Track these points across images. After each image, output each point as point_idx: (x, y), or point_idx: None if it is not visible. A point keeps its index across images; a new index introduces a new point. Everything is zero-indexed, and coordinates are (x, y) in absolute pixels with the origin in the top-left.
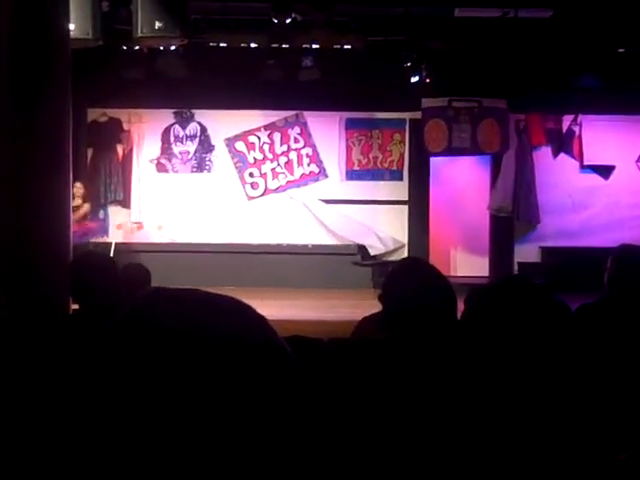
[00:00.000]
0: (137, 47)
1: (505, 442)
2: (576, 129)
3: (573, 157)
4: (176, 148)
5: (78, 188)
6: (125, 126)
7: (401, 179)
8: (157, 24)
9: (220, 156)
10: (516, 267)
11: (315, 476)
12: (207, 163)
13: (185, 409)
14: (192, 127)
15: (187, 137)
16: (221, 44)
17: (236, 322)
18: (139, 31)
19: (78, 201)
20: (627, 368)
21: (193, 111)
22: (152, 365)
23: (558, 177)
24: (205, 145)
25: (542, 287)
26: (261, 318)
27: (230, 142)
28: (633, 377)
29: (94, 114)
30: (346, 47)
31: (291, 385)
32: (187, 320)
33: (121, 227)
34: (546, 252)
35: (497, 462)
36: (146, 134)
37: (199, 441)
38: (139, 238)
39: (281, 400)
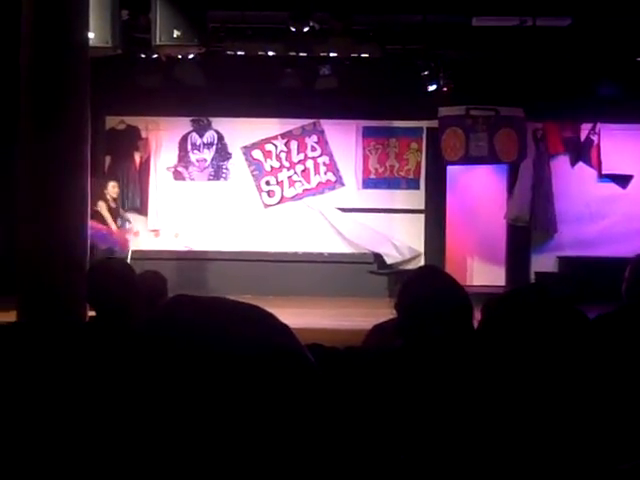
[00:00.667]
0: (155, 55)
1: (521, 451)
2: (594, 138)
3: (591, 166)
4: (193, 156)
5: (113, 187)
6: (143, 134)
7: (418, 188)
8: (175, 32)
9: (237, 164)
10: (533, 276)
11: None
12: (224, 171)
13: (208, 416)
14: (209, 135)
15: (204, 145)
16: (239, 52)
17: (260, 330)
18: (158, 39)
19: (113, 203)
20: None
21: (210, 119)
22: (175, 372)
23: (576, 186)
24: (222, 153)
25: (560, 297)
26: (284, 326)
27: (247, 150)
28: None
29: (112, 122)
30: (364, 56)
31: (314, 393)
32: (211, 327)
33: (138, 234)
34: (563, 262)
35: (512, 471)
36: (163, 142)
37: (222, 447)
38: (156, 245)
39: (304, 407)
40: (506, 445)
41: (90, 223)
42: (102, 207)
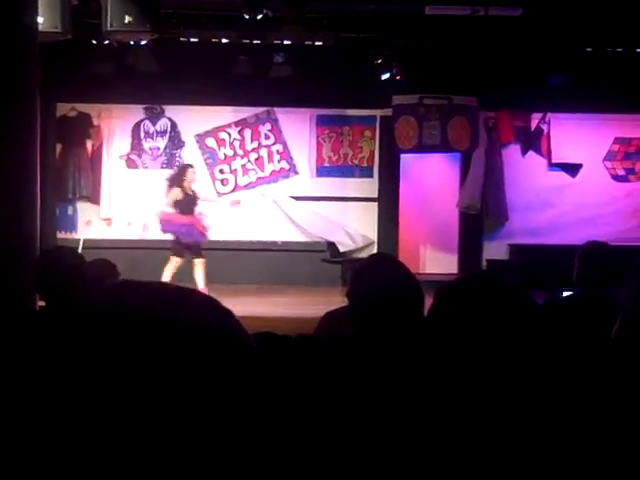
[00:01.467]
0: (107, 41)
1: (471, 437)
2: (545, 127)
3: (541, 155)
4: (146, 144)
5: (192, 172)
6: (95, 121)
7: (371, 176)
8: (127, 18)
9: (190, 152)
10: (485, 264)
11: (274, 466)
12: (177, 159)
13: (148, 398)
14: (162, 123)
15: (157, 133)
16: (192, 39)
17: (201, 314)
18: (109, 25)
19: (190, 190)
20: (593, 361)
21: (164, 107)
22: (115, 355)
23: (527, 175)
24: (175, 141)
25: (510, 284)
26: (226, 311)
27: (200, 138)
28: (598, 370)
29: (63, 109)
30: (317, 44)
31: (254, 377)
32: (151, 312)
33: (90, 223)
34: (514, 249)
35: (463, 457)
36: (116, 130)
37: (164, 429)
38: (108, 234)
39: (243, 391)
40: (458, 431)
41: (169, 217)
42: (177, 194)
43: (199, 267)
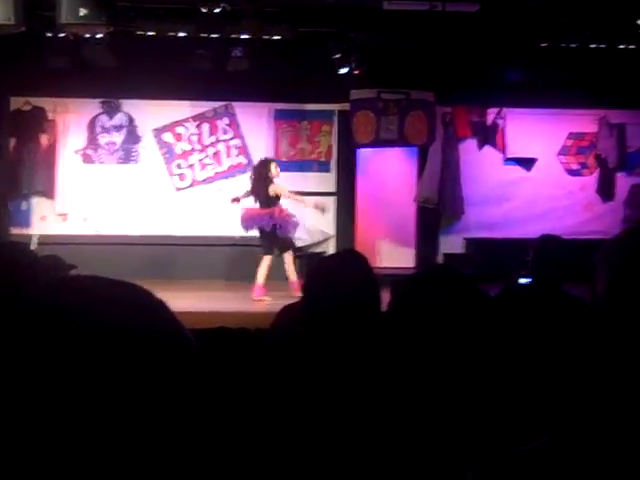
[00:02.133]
0: (62, 34)
1: (426, 431)
2: (500, 122)
3: (497, 149)
4: (102, 139)
5: (275, 167)
6: (50, 115)
7: (329, 170)
8: (82, 11)
9: (147, 147)
10: (441, 258)
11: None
12: (134, 154)
13: (80, 396)
14: (119, 117)
15: (114, 127)
16: (149, 33)
17: (136, 308)
18: (63, 18)
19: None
20: (547, 351)
21: (120, 101)
22: (47, 350)
23: (483, 169)
24: (132, 136)
25: (464, 277)
26: (161, 303)
27: (158, 133)
28: (552, 360)
29: (17, 102)
30: (275, 38)
31: (191, 370)
32: (85, 307)
33: (45, 219)
34: (470, 243)
35: (417, 452)
36: (71, 124)
37: (98, 425)
38: (64, 230)
39: (179, 385)
40: (413, 424)
41: (252, 212)
42: (282, 189)
43: (289, 260)
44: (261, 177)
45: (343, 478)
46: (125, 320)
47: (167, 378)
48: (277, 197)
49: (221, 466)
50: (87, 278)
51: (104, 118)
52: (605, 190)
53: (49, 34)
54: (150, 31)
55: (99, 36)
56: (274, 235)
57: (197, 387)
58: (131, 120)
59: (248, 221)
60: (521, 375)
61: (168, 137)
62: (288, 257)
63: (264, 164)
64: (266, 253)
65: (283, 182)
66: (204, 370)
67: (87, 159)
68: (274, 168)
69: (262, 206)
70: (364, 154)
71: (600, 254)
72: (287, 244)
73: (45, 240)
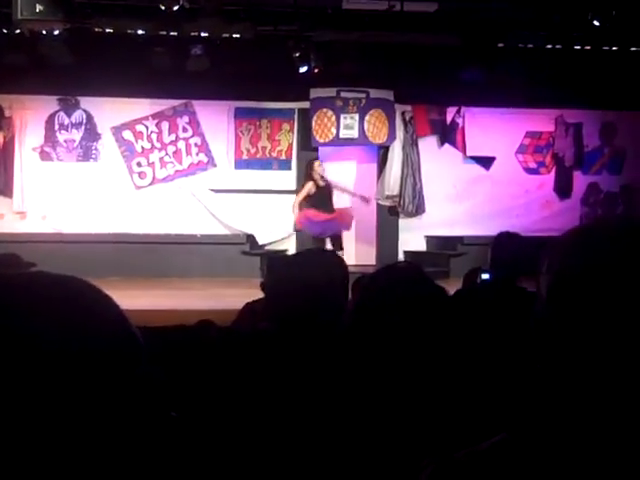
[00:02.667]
0: (18, 31)
1: (385, 426)
2: (459, 121)
3: (457, 148)
4: (61, 136)
5: (319, 165)
6: (7, 112)
7: (289, 168)
8: (38, 7)
9: (107, 145)
10: (402, 256)
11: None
12: (93, 152)
13: (18, 392)
14: (77, 115)
15: (72, 125)
16: (107, 30)
17: (80, 304)
18: (19, 14)
19: (322, 183)
20: (504, 348)
21: (78, 98)
22: None
23: (442, 167)
24: (91, 133)
25: (425, 274)
26: (107, 299)
27: (117, 131)
28: (509, 357)
29: None
30: (235, 36)
31: (137, 365)
32: (26, 303)
33: (3, 217)
34: (431, 241)
35: (379, 452)
36: (29, 121)
37: (39, 424)
38: (22, 228)
39: (123, 380)
40: (372, 421)
41: (302, 216)
42: (309, 187)
43: None
44: (305, 179)
45: (299, 475)
46: (66, 315)
47: (109, 373)
48: (329, 196)
49: (173, 463)
50: (29, 275)
51: (62, 115)
52: (562, 188)
53: (5, 30)
54: (108, 28)
55: (56, 33)
56: (331, 235)
57: (142, 382)
58: (90, 118)
59: (306, 225)
60: (478, 372)
61: (128, 135)
62: (342, 255)
63: (308, 164)
64: None
65: (243, 180)
66: (154, 367)
67: (45, 157)
68: (317, 166)
69: (317, 207)
70: (324, 152)
71: (544, 252)
72: (341, 243)
73: (3, 238)
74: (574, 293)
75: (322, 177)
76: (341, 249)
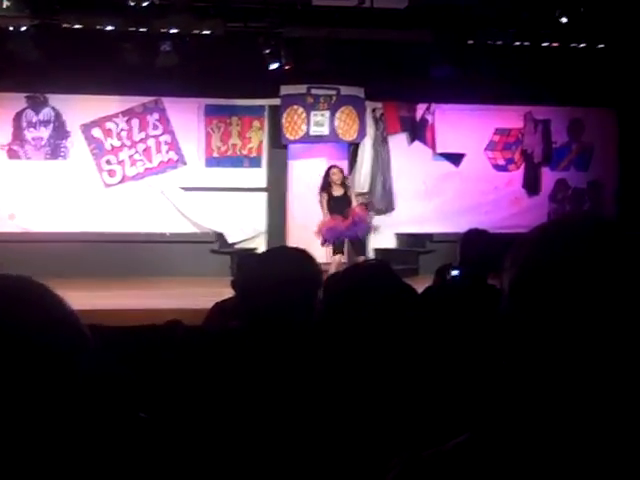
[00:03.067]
0: None
1: (353, 424)
2: (429, 117)
3: (426, 145)
4: (29, 134)
5: (334, 173)
6: None
7: (260, 166)
8: (5, 3)
9: (76, 143)
10: (372, 253)
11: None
12: (62, 150)
13: None
14: (46, 112)
15: (40, 122)
16: (75, 26)
17: (30, 304)
18: None
19: (339, 190)
20: (472, 346)
21: (47, 95)
22: None
23: (413, 164)
24: (60, 131)
25: (393, 272)
26: (59, 300)
27: (86, 128)
28: (477, 355)
29: None
30: (205, 33)
31: (86, 364)
32: None
33: None
34: (401, 238)
35: (343, 451)
36: None
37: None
38: None
39: (70, 377)
40: (345, 415)
41: (330, 225)
42: (324, 199)
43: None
44: (323, 188)
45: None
46: (13, 314)
47: (58, 371)
48: (347, 203)
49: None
50: None
51: (30, 113)
52: (531, 185)
53: None
54: (76, 24)
55: (23, 29)
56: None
57: (93, 381)
58: (58, 115)
59: (328, 234)
60: (446, 369)
61: (97, 133)
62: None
63: (326, 171)
64: (337, 252)
65: (214, 178)
66: (121, 367)
67: (13, 155)
68: (332, 175)
69: (338, 213)
70: (295, 149)
71: (510, 249)
72: (364, 247)
73: None
74: (535, 287)
75: (342, 184)
76: (363, 254)
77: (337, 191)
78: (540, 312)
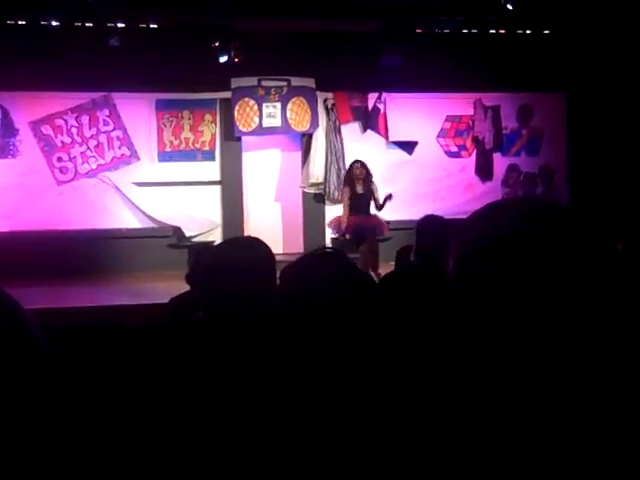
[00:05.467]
0: None
1: (316, 411)
2: (381, 106)
3: (379, 134)
4: None
5: (356, 168)
6: None
7: (214, 159)
8: None
9: (25, 140)
10: (329, 242)
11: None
12: (11, 148)
13: None
14: None
15: None
16: (20, 22)
17: None
18: None
19: (361, 187)
20: (427, 332)
21: None
22: None
23: (366, 153)
24: (8, 129)
25: (347, 260)
26: (12, 303)
27: (35, 125)
28: (430, 343)
29: None
30: (153, 26)
31: (36, 366)
32: None
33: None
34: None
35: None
36: None
37: None
38: None
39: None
40: (304, 406)
41: (341, 220)
42: (346, 194)
43: (365, 257)
44: (345, 182)
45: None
46: None
47: (9, 375)
48: (367, 201)
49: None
50: None
51: None
52: (483, 171)
53: None
54: (20, 20)
55: None
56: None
57: (45, 381)
58: (6, 113)
59: (336, 228)
60: (403, 358)
61: (47, 130)
62: (364, 253)
63: (349, 166)
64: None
65: (167, 172)
66: (111, 368)
67: None
68: (355, 170)
69: (356, 211)
70: (248, 142)
71: (455, 234)
72: (376, 243)
73: None
74: (476, 268)
75: (365, 179)
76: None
77: (360, 188)
78: (482, 292)
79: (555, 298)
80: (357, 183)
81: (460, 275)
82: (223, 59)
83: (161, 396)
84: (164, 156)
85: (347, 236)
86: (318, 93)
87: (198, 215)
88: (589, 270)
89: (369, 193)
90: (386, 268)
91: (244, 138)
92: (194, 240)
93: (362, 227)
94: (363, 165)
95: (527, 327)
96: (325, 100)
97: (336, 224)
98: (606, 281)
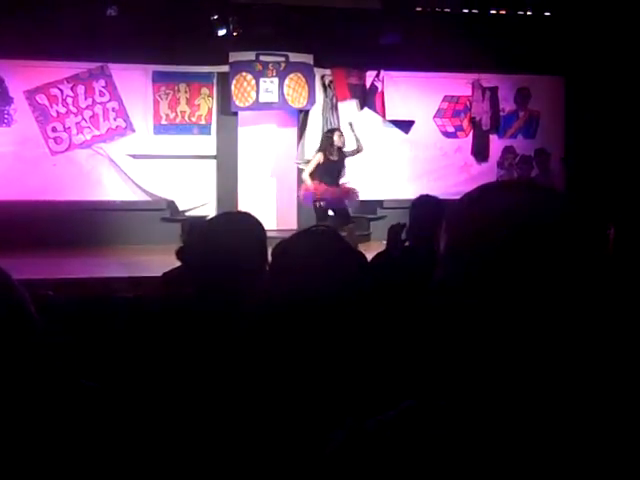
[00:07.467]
0: None
1: (304, 388)
2: (379, 85)
3: (376, 112)
4: None
5: (339, 136)
6: None
7: (209, 133)
8: None
9: (20, 109)
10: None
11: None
12: (6, 117)
13: None
14: None
15: None
16: None
17: None
18: None
19: (335, 155)
20: (414, 314)
21: None
22: None
23: (363, 131)
24: (3, 97)
25: (340, 238)
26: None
27: (30, 95)
28: (414, 325)
29: None
30: None
31: (27, 342)
32: None
33: None
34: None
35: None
36: None
37: None
38: None
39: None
40: (292, 385)
41: (310, 189)
42: (318, 159)
43: (347, 234)
44: (320, 148)
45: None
46: None
47: (7, 357)
48: (338, 170)
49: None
50: None
51: None
52: (480, 152)
53: None
54: None
55: None
56: (335, 209)
57: (36, 354)
58: (1, 81)
59: (306, 198)
60: (396, 338)
61: (42, 99)
62: (348, 230)
63: (327, 133)
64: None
65: (163, 145)
66: (67, 336)
67: None
68: (337, 137)
69: (324, 180)
70: (245, 117)
71: (446, 214)
72: (347, 217)
73: None
74: (464, 252)
75: (339, 149)
76: (349, 222)
77: (334, 155)
78: (469, 277)
79: (544, 284)
80: (333, 151)
81: (448, 258)
82: (222, 32)
83: (150, 374)
84: (159, 129)
85: (319, 204)
86: (316, 70)
87: (192, 189)
88: (579, 257)
89: (341, 162)
90: (378, 247)
91: (240, 113)
92: (187, 214)
93: (332, 201)
94: (341, 135)
95: (517, 315)
96: (323, 77)
97: (306, 194)
98: (595, 269)
